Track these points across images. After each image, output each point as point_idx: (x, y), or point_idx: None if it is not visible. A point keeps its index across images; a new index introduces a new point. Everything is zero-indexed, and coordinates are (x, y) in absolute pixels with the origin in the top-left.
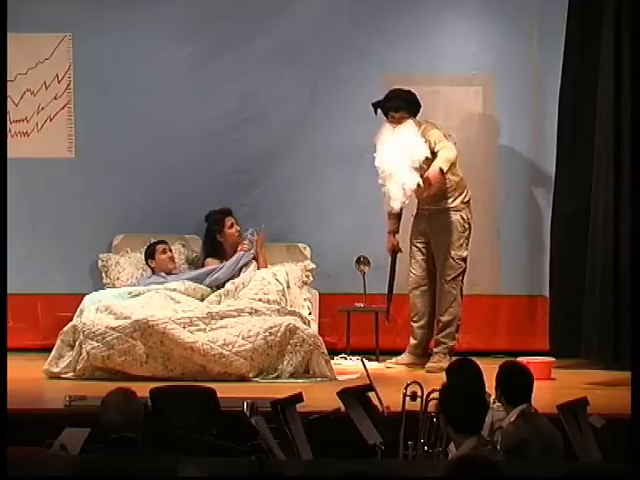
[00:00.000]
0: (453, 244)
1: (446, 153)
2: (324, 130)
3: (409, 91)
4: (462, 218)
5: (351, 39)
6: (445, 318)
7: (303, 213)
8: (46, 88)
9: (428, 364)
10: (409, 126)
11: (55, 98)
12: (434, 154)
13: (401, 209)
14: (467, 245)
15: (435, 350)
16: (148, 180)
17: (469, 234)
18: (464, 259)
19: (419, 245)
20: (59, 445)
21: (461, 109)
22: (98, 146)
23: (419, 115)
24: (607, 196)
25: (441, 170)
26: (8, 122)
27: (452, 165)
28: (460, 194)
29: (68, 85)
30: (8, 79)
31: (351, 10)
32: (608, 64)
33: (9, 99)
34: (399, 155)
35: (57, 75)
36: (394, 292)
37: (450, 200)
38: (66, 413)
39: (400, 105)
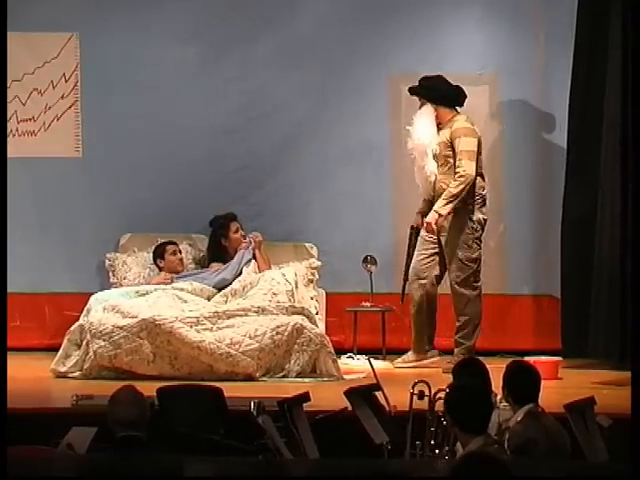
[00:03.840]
0: (461, 245)
1: (453, 187)
2: (332, 130)
3: (433, 77)
4: (472, 219)
5: (358, 39)
6: (462, 319)
7: (310, 213)
8: (53, 87)
9: (445, 364)
10: (422, 112)
11: (62, 97)
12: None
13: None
14: (478, 246)
15: (455, 351)
16: (155, 179)
17: (481, 234)
18: (474, 260)
19: (428, 239)
20: (66, 444)
21: (467, 109)
22: (105, 145)
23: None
24: (614, 197)
25: (440, 215)
26: (15, 122)
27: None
28: (473, 195)
29: (75, 85)
30: (15, 79)
31: (358, 10)
32: (616, 66)
33: (17, 99)
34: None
35: (64, 74)
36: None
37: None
38: (73, 412)
39: (416, 90)
